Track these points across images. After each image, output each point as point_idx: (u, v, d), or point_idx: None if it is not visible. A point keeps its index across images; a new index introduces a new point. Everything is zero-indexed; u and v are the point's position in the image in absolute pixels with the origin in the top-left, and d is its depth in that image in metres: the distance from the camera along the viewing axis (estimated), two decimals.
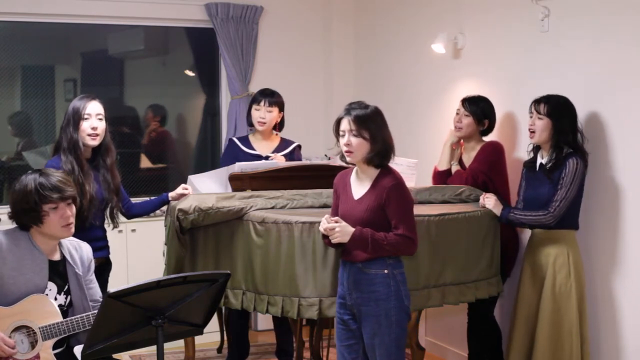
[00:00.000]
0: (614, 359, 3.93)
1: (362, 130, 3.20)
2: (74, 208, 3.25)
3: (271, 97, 4.58)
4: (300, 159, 4.64)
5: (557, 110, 3.80)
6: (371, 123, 3.22)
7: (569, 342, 3.78)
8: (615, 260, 3.91)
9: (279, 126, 4.66)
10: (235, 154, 4.53)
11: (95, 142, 3.81)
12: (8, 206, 5.47)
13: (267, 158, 4.49)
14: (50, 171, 3.26)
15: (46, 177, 3.19)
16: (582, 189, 3.84)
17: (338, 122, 3.27)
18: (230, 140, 4.70)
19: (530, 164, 3.98)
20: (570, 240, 3.85)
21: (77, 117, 3.77)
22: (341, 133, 3.25)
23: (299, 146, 4.70)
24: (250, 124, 4.67)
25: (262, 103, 4.55)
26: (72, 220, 3.24)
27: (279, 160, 4.45)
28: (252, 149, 4.58)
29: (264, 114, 4.54)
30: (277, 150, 4.61)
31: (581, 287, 3.85)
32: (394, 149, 3.29)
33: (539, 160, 3.92)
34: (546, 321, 3.81)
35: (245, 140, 4.64)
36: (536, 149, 3.96)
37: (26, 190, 3.16)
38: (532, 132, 3.87)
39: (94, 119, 3.79)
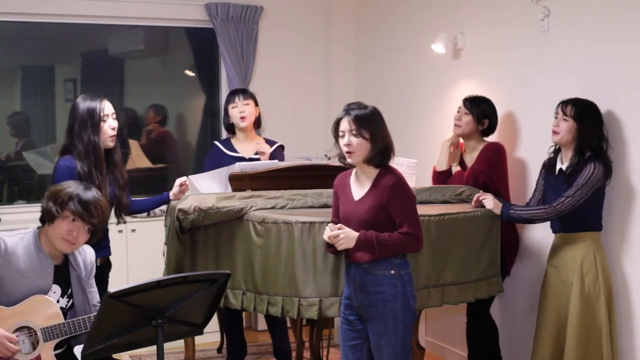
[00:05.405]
0: None
1: (362, 130, 3.19)
2: (86, 237, 3.22)
3: (244, 92, 4.57)
4: (282, 159, 4.56)
5: (584, 113, 3.73)
6: (371, 123, 3.21)
7: (599, 344, 3.70)
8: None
9: (257, 122, 4.62)
10: (218, 158, 4.50)
11: (113, 144, 3.81)
12: (8, 206, 5.49)
13: (250, 159, 4.46)
14: (97, 196, 3.23)
15: (86, 195, 3.18)
16: (603, 191, 3.76)
17: (337, 123, 3.27)
18: (214, 144, 4.66)
19: (549, 166, 3.91)
20: (595, 242, 3.77)
21: (96, 119, 3.70)
22: (340, 133, 3.25)
23: (282, 146, 4.64)
24: (228, 127, 4.63)
25: (237, 99, 4.53)
26: (76, 243, 3.20)
27: (264, 151, 4.42)
28: (235, 151, 4.55)
29: (242, 107, 4.51)
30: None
31: (609, 288, 3.76)
32: (394, 148, 3.29)
33: (559, 165, 3.83)
34: (576, 326, 3.72)
35: (227, 143, 4.60)
36: (557, 151, 3.89)
37: (67, 191, 3.16)
38: (556, 133, 3.78)
39: (111, 119, 3.77)
